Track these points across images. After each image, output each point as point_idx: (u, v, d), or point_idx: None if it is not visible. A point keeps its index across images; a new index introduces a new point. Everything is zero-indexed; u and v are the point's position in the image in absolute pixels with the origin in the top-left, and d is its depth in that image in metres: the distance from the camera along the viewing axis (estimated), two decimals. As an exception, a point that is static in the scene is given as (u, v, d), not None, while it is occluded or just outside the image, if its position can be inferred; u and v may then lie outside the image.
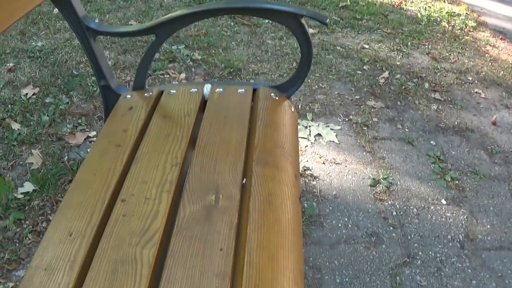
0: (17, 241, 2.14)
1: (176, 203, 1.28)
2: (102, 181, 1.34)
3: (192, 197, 1.27)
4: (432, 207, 2.49)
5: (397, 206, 2.47)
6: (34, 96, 3.04)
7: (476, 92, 3.53)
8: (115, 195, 1.31)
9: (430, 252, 2.24)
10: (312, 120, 3.03)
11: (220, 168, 1.37)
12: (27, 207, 2.29)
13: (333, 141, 2.87)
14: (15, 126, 2.77)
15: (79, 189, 1.33)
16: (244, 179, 1.36)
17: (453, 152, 2.88)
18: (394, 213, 2.43)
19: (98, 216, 1.23)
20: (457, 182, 2.66)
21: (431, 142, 2.95)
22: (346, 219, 2.37)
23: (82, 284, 1.06)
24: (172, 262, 1.10)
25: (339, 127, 2.99)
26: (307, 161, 2.71)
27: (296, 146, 1.60)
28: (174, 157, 1.41)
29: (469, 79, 3.68)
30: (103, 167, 1.40)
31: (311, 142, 2.85)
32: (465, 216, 2.45)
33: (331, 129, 2.96)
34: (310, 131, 2.92)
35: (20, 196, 2.34)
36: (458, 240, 2.32)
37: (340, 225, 2.34)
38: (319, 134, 2.91)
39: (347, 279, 2.09)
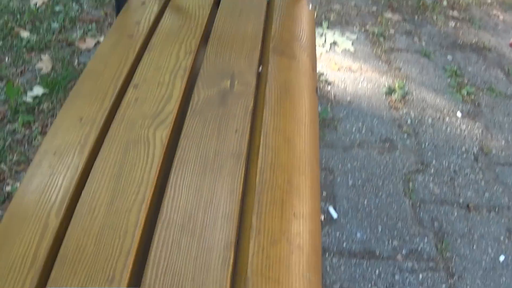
0: (26, 143, 2.12)
1: (190, 88, 1.24)
2: (114, 69, 1.31)
3: (207, 83, 1.24)
4: (447, 119, 2.45)
5: (412, 115, 2.44)
6: (44, 5, 2.98)
7: (495, 14, 3.44)
8: (127, 81, 1.27)
9: (444, 162, 2.22)
10: (327, 28, 2.97)
11: (236, 56, 1.33)
12: (36, 110, 2.27)
13: (348, 50, 2.82)
14: (24, 34, 2.73)
15: (90, 78, 1.29)
16: (260, 67, 1.32)
17: (469, 68, 2.82)
18: (409, 121, 2.40)
19: (109, 102, 1.20)
20: (473, 97, 2.62)
21: (448, 57, 2.89)
22: (360, 124, 2.34)
23: (92, 165, 1.04)
24: (185, 143, 1.07)
25: (355, 37, 2.93)
26: (322, 67, 2.66)
27: (313, 41, 1.55)
28: (188, 46, 1.37)
29: (488, 1, 3.59)
30: (115, 56, 1.36)
31: (326, 50, 2.80)
32: (480, 130, 2.41)
33: (347, 38, 2.90)
34: (325, 39, 2.87)
35: (29, 99, 2.32)
36: (472, 152, 2.29)
37: (354, 129, 2.31)
38: (334, 42, 2.85)
39: (359, 182, 2.07)
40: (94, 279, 0.84)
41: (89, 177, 1.01)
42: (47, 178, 1.01)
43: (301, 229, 0.95)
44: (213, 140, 1.08)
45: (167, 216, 0.93)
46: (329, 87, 2.53)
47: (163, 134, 1.09)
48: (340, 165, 2.12)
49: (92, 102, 1.20)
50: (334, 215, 1.94)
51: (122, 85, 1.26)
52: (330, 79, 2.59)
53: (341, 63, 2.72)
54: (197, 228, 0.91)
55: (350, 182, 2.06)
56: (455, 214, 2.01)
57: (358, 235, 1.91)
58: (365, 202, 2.00)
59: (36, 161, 1.06)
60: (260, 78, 1.29)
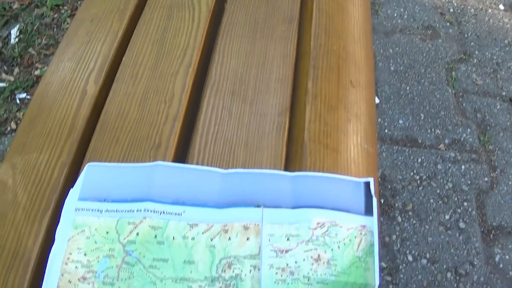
0: (55, 26, 2.06)
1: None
2: None
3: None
4: (489, 10, 2.34)
5: (454, 3, 2.33)
6: None
7: None
8: None
9: (487, 53, 2.13)
10: None
11: None
12: (65, -6, 2.20)
13: None
14: None
15: None
16: None
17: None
18: (451, 10, 2.29)
19: (148, -32, 1.13)
20: (515, -10, 2.50)
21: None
22: (401, 9, 2.24)
23: (133, 31, 0.98)
24: (233, 7, 1.01)
25: None
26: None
27: None
28: None
29: None
30: None
31: None
32: (523, 25, 2.31)
33: None
34: None
35: (58, -17, 2.24)
36: (515, 46, 2.20)
37: (395, 15, 2.22)
38: None
39: (401, 68, 2.00)
40: (138, 146, 0.79)
41: (130, 42, 0.96)
42: (85, 45, 0.96)
43: (358, 97, 0.89)
44: (263, 4, 1.01)
45: (216, 81, 0.88)
46: (369, -29, 2.43)
47: (209, -1, 1.02)
48: (381, 50, 2.05)
49: (129, -31, 1.13)
50: (376, 100, 1.88)
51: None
52: (370, -38, 2.48)
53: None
54: (249, 93, 0.86)
55: (392, 68, 1.99)
56: (498, 107, 1.94)
57: (401, 121, 1.85)
58: (407, 89, 1.93)
59: (71, 29, 1.00)
60: None
